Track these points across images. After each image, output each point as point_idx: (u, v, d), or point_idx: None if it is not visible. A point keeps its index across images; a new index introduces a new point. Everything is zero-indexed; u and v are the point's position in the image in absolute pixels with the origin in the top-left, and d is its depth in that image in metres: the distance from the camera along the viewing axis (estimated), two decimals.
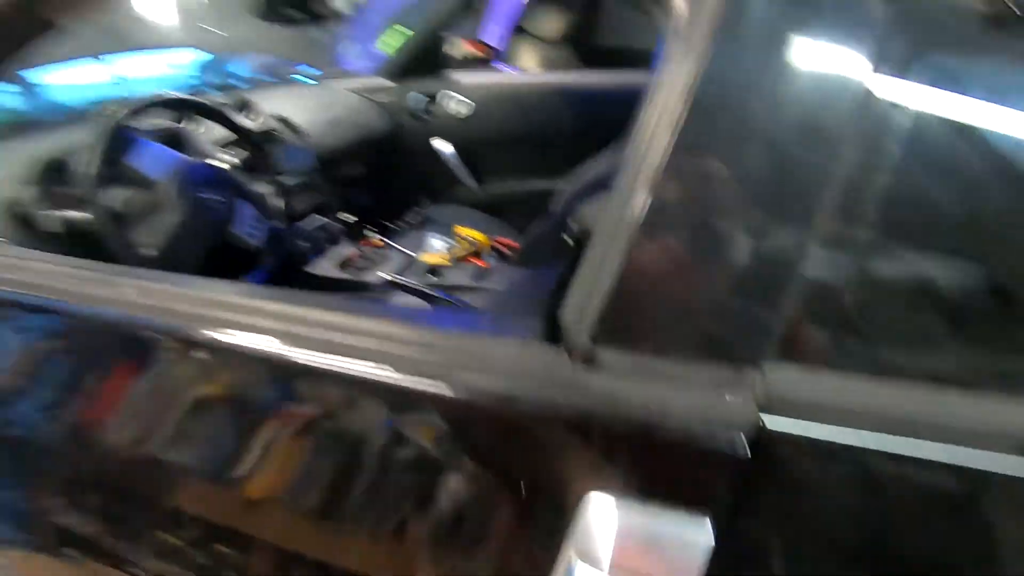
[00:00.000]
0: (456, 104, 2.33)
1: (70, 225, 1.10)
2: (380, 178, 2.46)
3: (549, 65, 3.14)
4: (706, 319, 0.42)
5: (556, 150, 2.35)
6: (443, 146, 2.38)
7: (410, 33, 2.37)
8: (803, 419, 0.38)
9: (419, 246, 1.93)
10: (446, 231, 2.07)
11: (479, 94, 2.31)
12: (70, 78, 1.87)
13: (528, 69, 3.16)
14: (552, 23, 3.24)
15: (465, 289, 1.57)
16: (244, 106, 1.83)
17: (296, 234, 1.74)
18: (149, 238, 1.16)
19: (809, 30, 0.43)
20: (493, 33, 2.88)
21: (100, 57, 1.88)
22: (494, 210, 2.38)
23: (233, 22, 2.19)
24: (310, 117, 2.03)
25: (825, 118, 0.39)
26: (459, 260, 1.82)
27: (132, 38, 2.00)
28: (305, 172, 1.78)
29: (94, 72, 1.88)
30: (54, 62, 1.75)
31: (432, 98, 2.35)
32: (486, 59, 2.50)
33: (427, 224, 2.23)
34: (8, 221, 1.15)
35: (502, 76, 2.37)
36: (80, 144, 1.14)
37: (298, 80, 2.36)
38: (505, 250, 2.05)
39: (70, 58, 1.79)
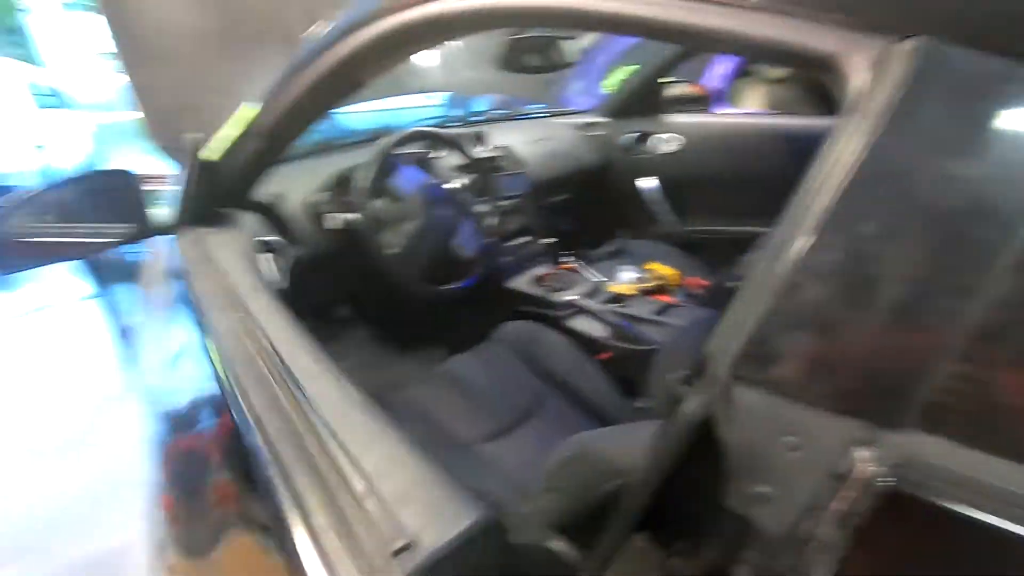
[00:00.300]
0: (665, 142, 2.39)
1: (346, 224, 1.44)
2: (584, 207, 2.62)
3: (775, 106, 3.02)
4: (847, 373, 0.44)
5: (765, 193, 2.26)
6: (648, 183, 2.46)
7: (633, 70, 2.51)
8: (929, 488, 0.38)
9: (609, 275, 2.03)
10: (638, 264, 2.14)
11: (689, 133, 2.35)
12: (358, 112, 2.39)
13: (752, 110, 3.08)
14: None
15: (645, 321, 1.62)
16: (477, 138, 2.15)
17: (503, 251, 1.97)
18: (394, 239, 1.46)
19: (989, 112, 0.44)
20: (716, 75, 2.89)
21: (380, 97, 2.39)
22: (692, 249, 2.38)
23: (480, 69, 2.57)
24: (530, 148, 2.28)
25: (1000, 197, 0.40)
26: (646, 293, 1.88)
27: (404, 82, 2.49)
28: (518, 196, 2.01)
29: (374, 107, 2.39)
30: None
31: (644, 136, 2.45)
32: (704, 100, 2.51)
33: (621, 255, 2.33)
34: (307, 217, 1.55)
35: (714, 117, 2.38)
36: (360, 164, 1.49)
37: (525, 116, 2.66)
38: (697, 289, 2.05)
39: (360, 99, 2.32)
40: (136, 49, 1.84)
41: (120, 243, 1.15)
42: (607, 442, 0.89)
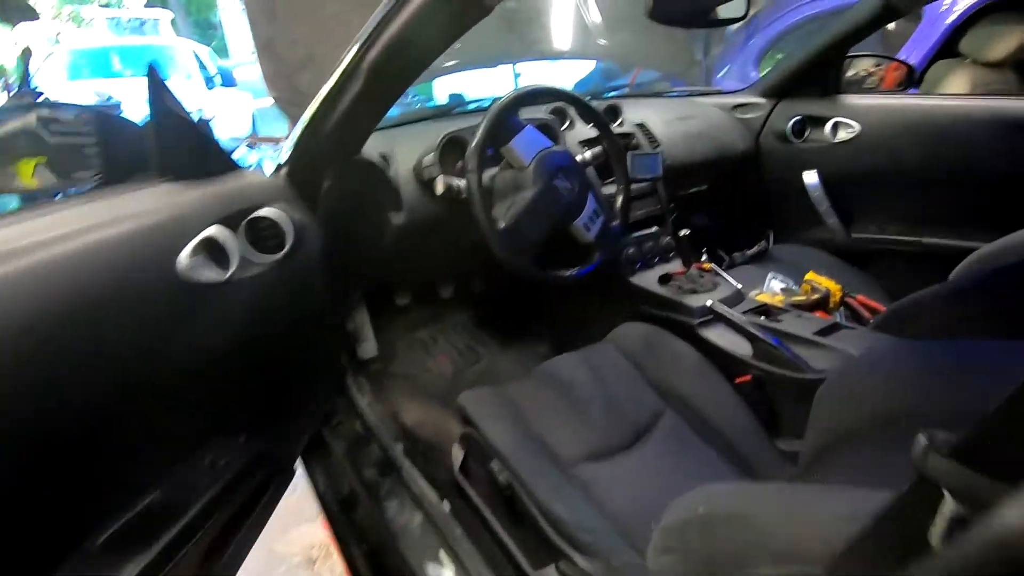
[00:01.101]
0: (835, 128, 1.98)
1: (450, 190, 1.28)
2: (727, 200, 2.28)
3: (984, 92, 2.44)
4: None
5: (964, 198, 1.79)
6: (808, 177, 2.06)
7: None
8: None
9: (753, 281, 1.69)
10: (792, 272, 1.78)
11: (867, 118, 1.91)
12: (479, 81, 2.24)
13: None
14: (1000, 43, 2.51)
15: (803, 341, 1.29)
16: (612, 110, 1.89)
17: (629, 240, 1.72)
18: (502, 212, 1.27)
19: None
20: (914, 53, 2.37)
21: (508, 62, 2.22)
22: (858, 261, 1.95)
23: (628, 34, 2.31)
24: (670, 128, 1.99)
25: None
26: (796, 307, 1.53)
27: (538, 46, 2.31)
28: (651, 179, 1.73)
29: (500, 74, 2.23)
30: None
31: (807, 120, 2.05)
32: (900, 83, 2.06)
33: (769, 260, 1.97)
34: (414, 181, 1.41)
35: (903, 97, 1.91)
36: (474, 125, 1.32)
37: (668, 94, 2.36)
38: (863, 310, 1.65)
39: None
40: (261, 3, 1.82)
41: None
42: (759, 506, 0.63)
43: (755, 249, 2.13)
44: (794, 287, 1.74)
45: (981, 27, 2.54)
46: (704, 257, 1.77)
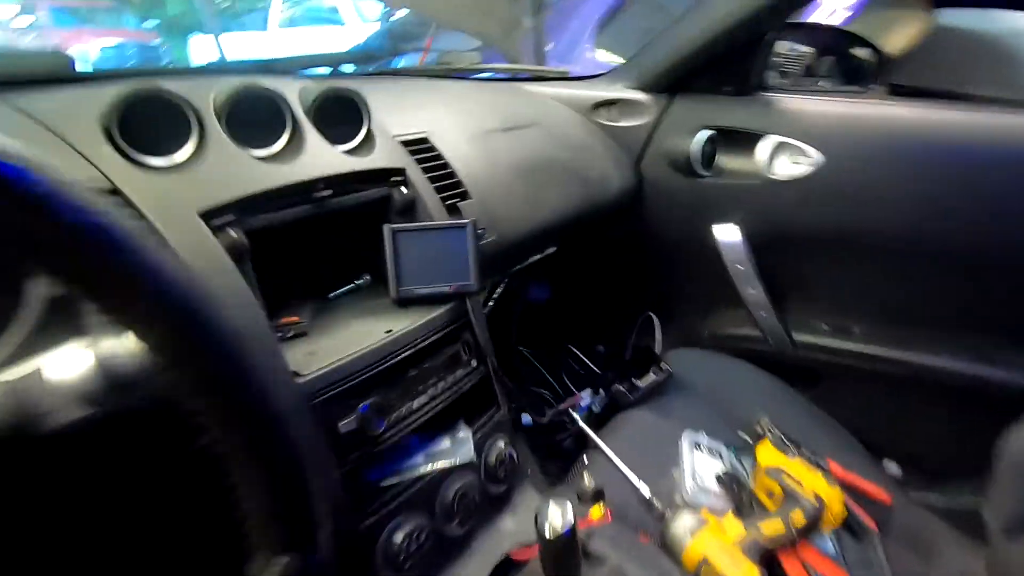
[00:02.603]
0: (777, 153, 1.09)
1: None
2: (587, 270, 1.30)
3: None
4: None
5: (991, 287, 1.02)
6: (725, 235, 1.15)
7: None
8: None
9: (648, 448, 0.73)
10: (714, 416, 0.85)
11: (837, 141, 1.04)
12: None
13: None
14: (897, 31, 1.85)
15: None
16: (340, 104, 0.74)
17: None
18: None
19: None
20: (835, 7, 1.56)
21: None
22: (803, 378, 1.11)
23: None
24: (483, 151, 0.92)
25: None
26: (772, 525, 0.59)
27: None
28: (440, 299, 0.66)
29: None
30: None
31: (722, 137, 1.13)
32: (875, 67, 1.23)
33: (664, 387, 1.00)
34: None
35: (903, 105, 1.05)
36: None
37: (477, 75, 1.27)
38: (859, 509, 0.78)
39: None
40: None
41: None
42: None
43: (632, 354, 1.20)
44: (736, 469, 0.81)
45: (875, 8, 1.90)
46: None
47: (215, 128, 0.61)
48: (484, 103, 1.05)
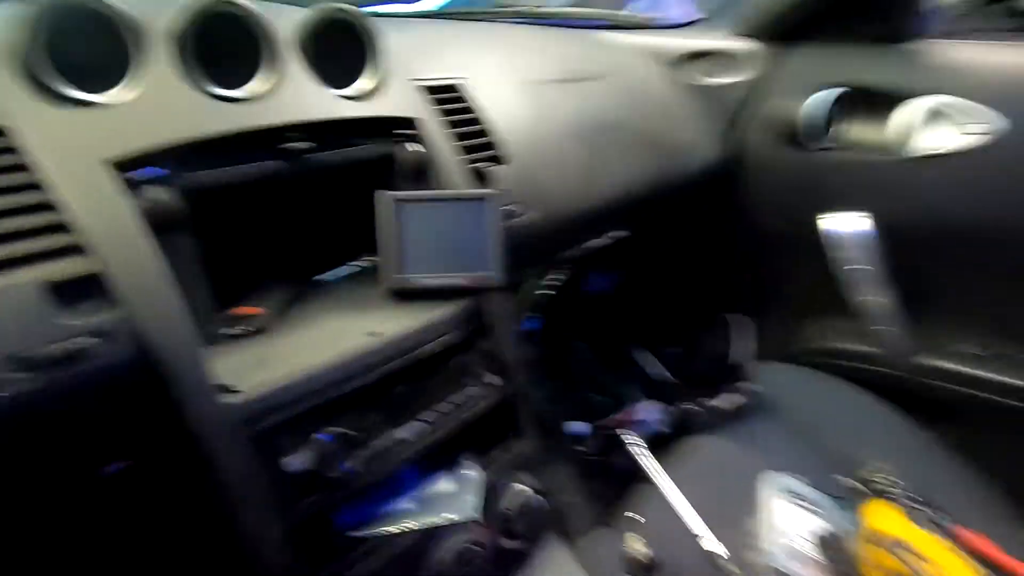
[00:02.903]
0: (934, 120, 0.81)
1: None
2: (666, 260, 1.09)
3: None
4: None
5: None
6: (843, 223, 0.89)
7: None
8: None
9: (715, 484, 0.59)
10: (811, 455, 0.64)
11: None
12: None
13: None
14: None
15: None
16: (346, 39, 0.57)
17: None
18: None
19: None
20: None
21: None
22: (921, 410, 0.85)
23: None
24: (533, 105, 0.74)
25: None
26: None
27: None
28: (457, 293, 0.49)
29: None
30: None
31: (856, 97, 0.87)
32: None
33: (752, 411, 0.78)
34: None
35: None
36: None
37: (533, 18, 1.06)
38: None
39: None
40: None
41: None
42: None
43: (710, 364, 0.99)
44: (839, 529, 0.60)
45: None
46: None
47: (164, 57, 0.46)
48: (539, 48, 0.85)
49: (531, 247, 0.68)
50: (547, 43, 0.89)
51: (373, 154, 0.56)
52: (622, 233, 0.97)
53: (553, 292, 1.09)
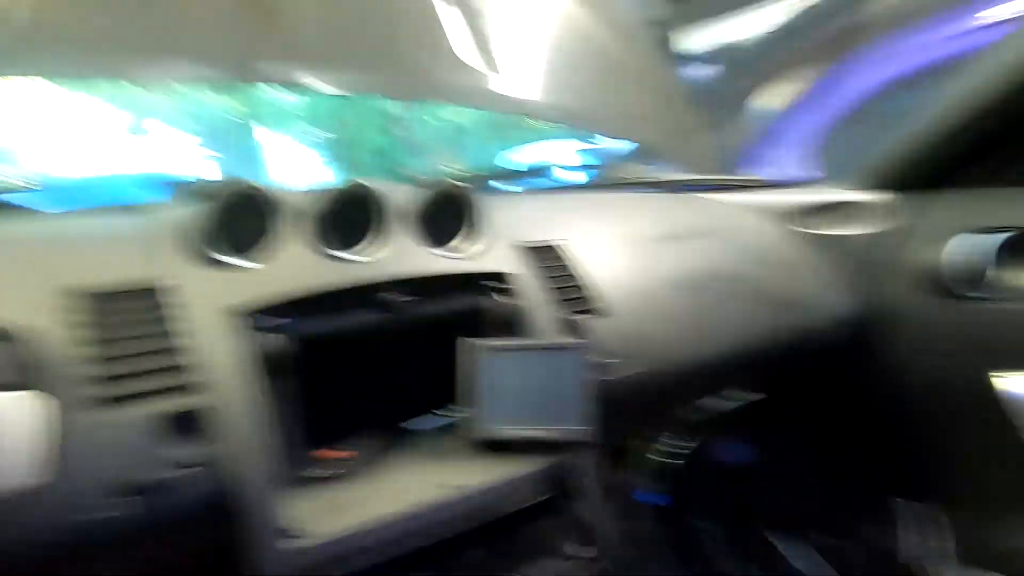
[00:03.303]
0: None
1: None
2: (784, 430, 0.95)
3: None
4: None
5: None
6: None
7: None
8: None
9: None
10: None
11: None
12: None
13: None
14: None
15: None
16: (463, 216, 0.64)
17: None
18: None
19: None
20: None
21: None
22: None
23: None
24: (635, 259, 0.74)
25: None
26: None
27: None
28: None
29: None
30: None
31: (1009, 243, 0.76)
32: None
33: None
34: None
35: None
36: None
37: (643, 186, 1.11)
38: None
39: None
40: None
41: None
42: None
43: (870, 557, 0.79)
44: None
45: None
46: None
47: (298, 227, 0.55)
48: (642, 211, 0.88)
49: (635, 404, 0.64)
50: (651, 206, 0.92)
51: (466, 306, 0.59)
52: (756, 396, 0.88)
53: (674, 460, 0.99)
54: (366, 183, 0.58)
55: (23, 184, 0.74)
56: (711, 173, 1.20)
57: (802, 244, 0.93)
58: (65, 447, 0.37)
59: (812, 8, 1.94)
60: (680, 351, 0.69)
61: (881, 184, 0.92)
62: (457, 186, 0.63)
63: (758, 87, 1.98)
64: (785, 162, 1.77)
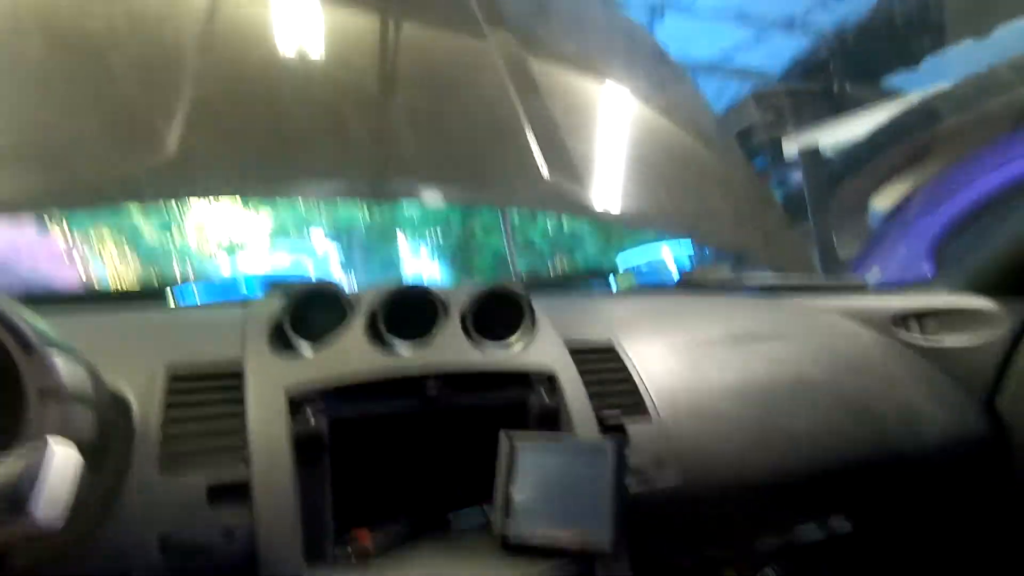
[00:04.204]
0: None
1: None
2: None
3: None
4: None
5: None
6: None
7: None
8: None
9: None
10: None
11: None
12: None
13: None
14: None
15: None
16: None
17: None
18: None
19: None
20: None
21: None
22: None
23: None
24: (704, 363, 0.72)
25: None
26: None
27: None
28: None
29: None
30: None
31: None
32: None
33: None
34: None
35: None
36: None
37: (730, 289, 1.08)
38: None
39: None
40: None
41: None
42: None
43: None
44: None
45: None
46: None
47: (362, 322, 0.61)
48: (713, 313, 0.85)
49: (669, 517, 0.59)
50: (722, 308, 0.89)
51: (507, 401, 0.61)
52: (839, 527, 0.77)
53: None
54: (424, 284, 0.64)
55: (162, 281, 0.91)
56: (805, 277, 1.13)
57: (902, 354, 0.84)
58: (124, 501, 0.44)
59: (922, 108, 1.85)
60: (739, 462, 0.64)
61: (993, 288, 0.82)
62: (510, 286, 0.67)
63: (867, 190, 1.88)
64: (893, 267, 1.62)
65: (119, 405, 0.49)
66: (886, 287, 1.02)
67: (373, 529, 0.54)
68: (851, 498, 0.72)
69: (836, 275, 1.31)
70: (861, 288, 1.03)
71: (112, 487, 0.44)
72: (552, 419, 0.60)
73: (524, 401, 0.61)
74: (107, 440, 0.45)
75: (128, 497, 0.44)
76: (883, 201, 1.98)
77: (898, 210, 1.87)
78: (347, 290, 0.63)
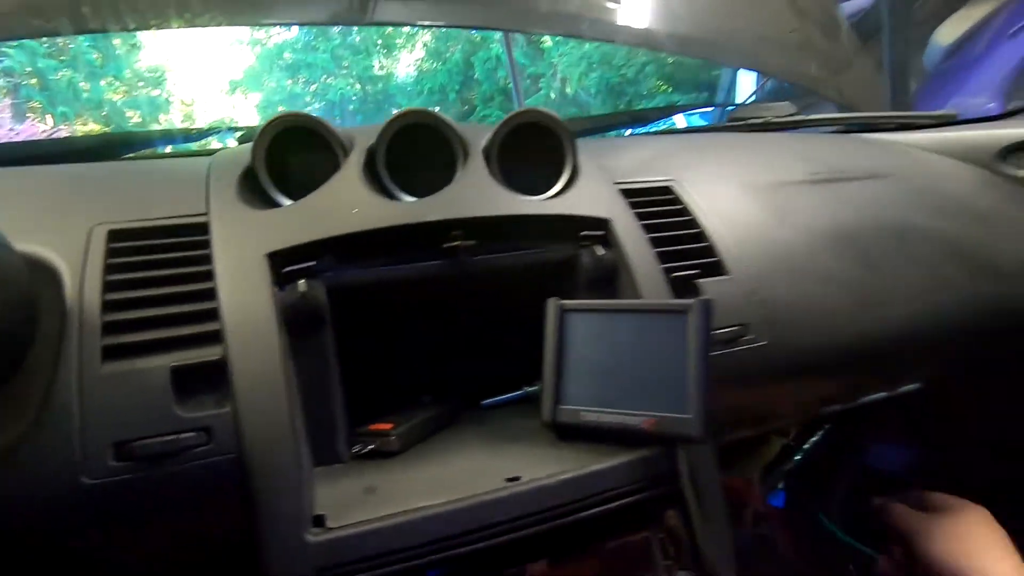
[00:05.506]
0: None
1: None
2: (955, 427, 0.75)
3: None
4: None
5: None
6: None
7: None
8: None
9: None
10: None
11: None
12: None
13: None
14: None
15: None
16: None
17: None
18: None
19: None
20: None
21: None
22: None
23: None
24: (783, 209, 0.58)
25: None
26: None
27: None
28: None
29: None
30: None
31: None
32: None
33: None
34: None
35: None
36: None
37: (803, 125, 0.90)
38: None
39: None
40: None
41: None
42: None
43: None
44: None
45: None
46: None
47: (356, 165, 0.47)
48: (786, 150, 0.70)
49: (762, 388, 0.50)
50: (798, 145, 0.73)
51: (553, 259, 0.48)
52: (911, 386, 0.68)
53: (802, 460, 0.81)
54: (436, 114, 0.49)
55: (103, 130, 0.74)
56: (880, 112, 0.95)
57: (1011, 192, 0.70)
58: (60, 398, 0.33)
59: None
60: (829, 321, 0.53)
61: None
62: (546, 114, 0.51)
63: (940, 14, 1.61)
64: (976, 100, 1.42)
65: (40, 274, 0.36)
66: (978, 120, 0.85)
67: (395, 421, 0.44)
68: (947, 360, 0.62)
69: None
70: (949, 122, 0.87)
71: (40, 384, 0.33)
72: (608, 280, 0.48)
73: (571, 259, 0.49)
74: (20, 322, 0.33)
75: (63, 395, 0.33)
76: (948, 33, 1.72)
77: (966, 40, 1.62)
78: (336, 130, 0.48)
